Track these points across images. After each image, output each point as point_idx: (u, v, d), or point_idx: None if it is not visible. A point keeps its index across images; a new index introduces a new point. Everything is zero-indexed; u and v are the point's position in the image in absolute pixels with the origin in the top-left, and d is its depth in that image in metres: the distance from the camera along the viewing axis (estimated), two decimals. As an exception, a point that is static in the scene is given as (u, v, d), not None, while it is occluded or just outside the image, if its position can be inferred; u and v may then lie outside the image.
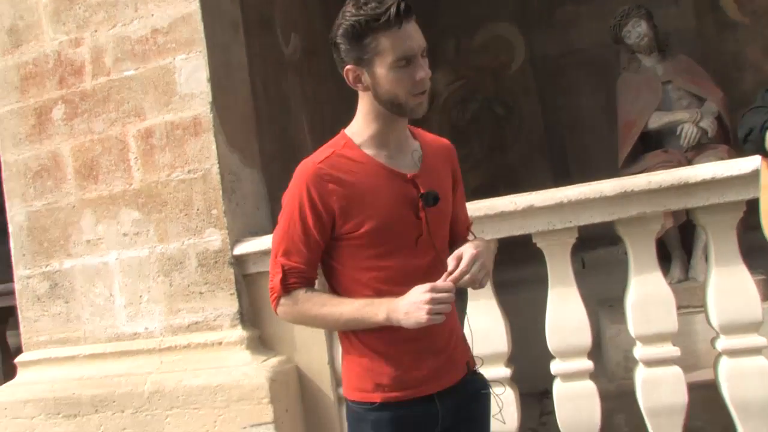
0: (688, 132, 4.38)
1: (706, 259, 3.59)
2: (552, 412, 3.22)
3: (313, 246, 1.83)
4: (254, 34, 4.03)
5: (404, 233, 1.83)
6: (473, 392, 1.95)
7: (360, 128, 1.87)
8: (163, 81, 3.48)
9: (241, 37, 3.80)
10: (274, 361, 3.25)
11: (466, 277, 1.70)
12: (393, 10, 1.68)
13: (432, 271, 1.77)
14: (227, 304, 3.33)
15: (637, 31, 4.65)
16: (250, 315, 3.40)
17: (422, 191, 1.82)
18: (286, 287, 1.84)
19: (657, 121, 4.55)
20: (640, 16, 4.65)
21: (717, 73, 5.01)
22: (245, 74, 3.79)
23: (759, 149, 2.33)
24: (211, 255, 3.37)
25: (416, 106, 1.78)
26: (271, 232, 3.49)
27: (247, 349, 3.25)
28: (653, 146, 4.62)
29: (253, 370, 3.14)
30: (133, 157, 3.53)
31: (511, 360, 3.21)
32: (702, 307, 4.00)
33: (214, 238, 3.36)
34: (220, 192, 3.35)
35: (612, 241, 4.91)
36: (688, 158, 4.39)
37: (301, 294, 1.84)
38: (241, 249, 3.36)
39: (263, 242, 3.34)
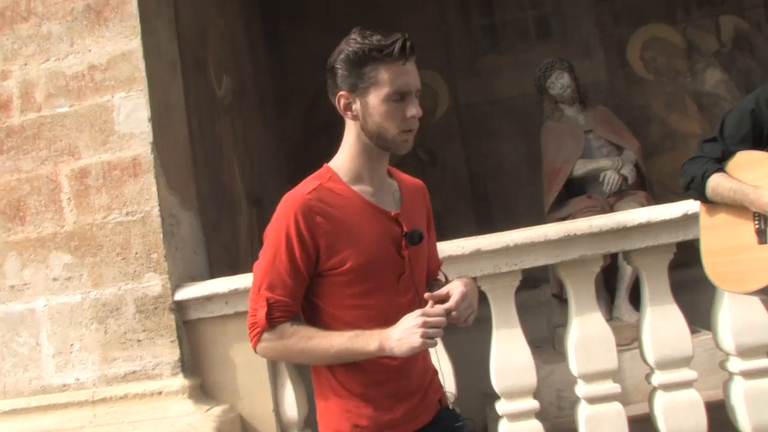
0: (611, 179, 4.63)
1: (637, 299, 3.75)
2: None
3: (299, 279, 1.79)
4: (190, 74, 3.96)
5: (387, 271, 1.83)
6: (448, 427, 1.96)
7: (344, 162, 1.87)
8: (100, 119, 3.35)
9: (179, 76, 3.74)
10: (218, 410, 3.12)
11: (454, 313, 1.71)
12: (398, 44, 1.73)
13: (413, 308, 1.75)
14: (167, 351, 3.19)
15: (560, 82, 4.90)
16: (191, 363, 3.27)
17: (406, 230, 1.84)
18: (271, 321, 1.77)
19: (581, 168, 4.79)
20: (563, 69, 4.92)
21: (627, 125, 5.31)
22: (183, 115, 3.70)
23: (700, 196, 2.46)
24: (150, 300, 3.22)
25: (402, 143, 1.80)
26: (209, 278, 3.44)
27: (190, 399, 3.12)
28: (576, 192, 4.84)
29: (197, 421, 3.01)
30: (66, 198, 3.36)
31: (456, 401, 3.23)
32: (627, 345, 4.19)
33: (154, 283, 3.23)
34: (161, 235, 3.23)
35: (534, 284, 5.07)
36: (610, 204, 4.62)
37: (287, 328, 1.78)
38: (183, 294, 3.24)
39: (205, 287, 3.27)
